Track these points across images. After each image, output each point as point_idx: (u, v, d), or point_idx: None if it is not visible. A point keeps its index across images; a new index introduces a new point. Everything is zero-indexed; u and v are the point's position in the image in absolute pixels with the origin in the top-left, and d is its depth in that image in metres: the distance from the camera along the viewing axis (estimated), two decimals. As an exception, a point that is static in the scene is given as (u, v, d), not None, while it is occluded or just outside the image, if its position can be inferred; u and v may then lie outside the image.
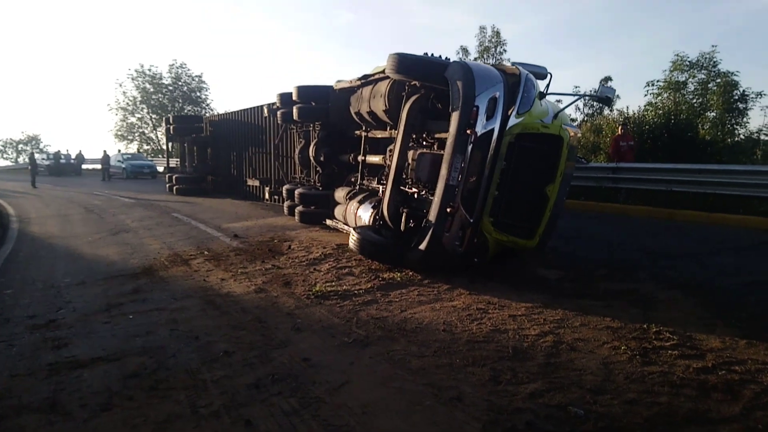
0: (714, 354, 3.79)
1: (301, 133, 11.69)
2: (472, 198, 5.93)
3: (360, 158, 8.54)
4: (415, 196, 6.79)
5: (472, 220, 5.93)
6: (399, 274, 6.25)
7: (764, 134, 16.70)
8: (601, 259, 6.98)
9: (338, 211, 9.17)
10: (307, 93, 10.35)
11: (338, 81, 9.64)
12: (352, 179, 9.63)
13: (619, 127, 13.93)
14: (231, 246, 8.70)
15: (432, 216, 5.91)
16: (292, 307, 5.35)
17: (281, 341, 4.42)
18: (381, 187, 7.86)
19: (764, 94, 16.52)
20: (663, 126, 13.95)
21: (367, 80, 8.28)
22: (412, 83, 6.74)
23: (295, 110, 10.43)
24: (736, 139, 16.52)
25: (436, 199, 5.90)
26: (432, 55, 6.67)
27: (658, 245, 7.96)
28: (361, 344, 4.27)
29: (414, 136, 6.93)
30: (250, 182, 15.61)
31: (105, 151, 31.61)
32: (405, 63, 6.38)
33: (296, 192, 10.52)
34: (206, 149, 19.58)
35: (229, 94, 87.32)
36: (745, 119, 16.62)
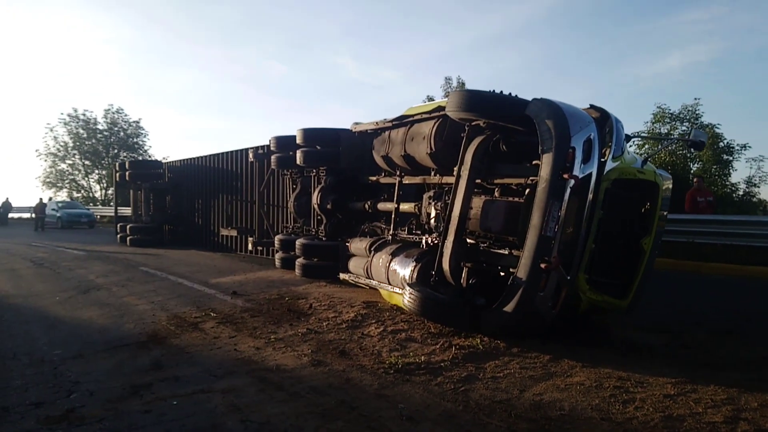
0: None
1: (298, 180, 10.73)
2: (569, 252, 5.16)
3: (392, 206, 7.66)
4: (476, 247, 6.00)
5: (569, 278, 5.14)
6: (476, 341, 5.34)
7: (752, 185, 17.11)
8: (684, 320, 6.34)
9: (356, 264, 8.20)
10: (313, 136, 9.48)
11: (356, 123, 8.85)
12: (366, 229, 8.74)
13: (695, 180, 12.92)
14: (237, 305, 7.52)
15: (522, 273, 5.07)
16: (375, 385, 4.33)
17: (402, 437, 3.40)
18: (422, 237, 6.97)
19: (749, 147, 16.98)
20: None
21: (401, 122, 7.51)
22: (474, 123, 6.01)
23: (299, 154, 9.51)
24: (725, 190, 16.81)
25: (527, 253, 5.08)
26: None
27: (723, 301, 7.51)
28: (514, 441, 3.32)
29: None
30: (224, 232, 14.31)
31: (41, 199, 29.05)
32: (475, 100, 5.66)
33: (298, 243, 9.45)
34: (165, 197, 18.11)
35: (166, 143, 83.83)
36: (729, 170, 17.06)
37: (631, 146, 6.26)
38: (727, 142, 16.65)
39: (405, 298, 5.89)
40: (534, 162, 5.44)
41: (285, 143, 10.55)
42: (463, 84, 25.34)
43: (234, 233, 13.88)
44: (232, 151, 14.43)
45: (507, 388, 4.22)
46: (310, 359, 5.04)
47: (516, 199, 5.66)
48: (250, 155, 12.70)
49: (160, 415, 3.82)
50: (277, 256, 10.64)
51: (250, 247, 12.67)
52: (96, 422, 3.71)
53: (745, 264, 9.61)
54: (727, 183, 17.04)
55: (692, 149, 6.42)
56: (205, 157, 15.97)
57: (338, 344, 5.49)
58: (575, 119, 5.21)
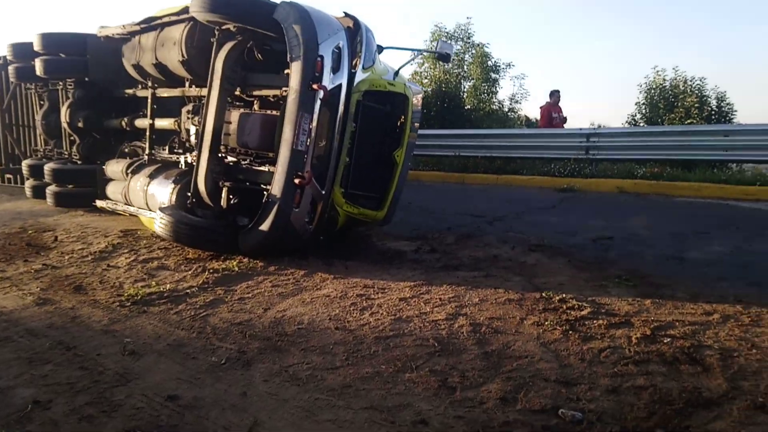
0: (638, 319, 3.64)
1: (45, 95, 9.22)
2: (323, 166, 5.06)
3: (147, 123, 6.90)
4: (237, 165, 5.67)
5: (324, 192, 5.07)
6: (233, 263, 5.11)
7: (515, 101, 18.77)
8: (439, 227, 6.75)
9: (114, 190, 7.40)
10: (54, 42, 8.05)
11: (102, 27, 7.67)
12: (126, 149, 7.88)
13: (550, 96, 12.52)
14: (-37, 243, 6.38)
15: (276, 189, 4.88)
16: (105, 321, 3.91)
17: (118, 374, 3.08)
18: (180, 156, 6.43)
19: (513, 65, 18.35)
20: (434, 94, 14.48)
21: (149, 24, 6.65)
22: (225, 27, 5.48)
23: (39, 63, 8.05)
24: (492, 106, 18.18)
25: (280, 169, 4.88)
26: None
27: (478, 209, 8.13)
28: (240, 363, 3.18)
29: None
30: (-42, 159, 12.02)
31: None
32: (219, 0, 5.12)
33: (47, 168, 8.24)
34: None
35: None
36: (497, 88, 18.40)
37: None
38: (494, 61, 17.95)
39: (156, 223, 5.42)
40: (286, 71, 5.15)
41: (24, 51, 8.85)
42: None
43: (-29, 160, 11.74)
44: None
45: (252, 308, 4.08)
46: (36, 298, 4.40)
47: (272, 111, 5.37)
48: (-15, 66, 10.57)
49: None
50: (27, 184, 9.22)
51: (-7, 175, 10.85)
52: None
53: (499, 173, 10.65)
54: (495, 100, 18.51)
55: (440, 61, 6.61)
56: None
57: (76, 279, 4.90)
58: (323, 25, 4.97)
